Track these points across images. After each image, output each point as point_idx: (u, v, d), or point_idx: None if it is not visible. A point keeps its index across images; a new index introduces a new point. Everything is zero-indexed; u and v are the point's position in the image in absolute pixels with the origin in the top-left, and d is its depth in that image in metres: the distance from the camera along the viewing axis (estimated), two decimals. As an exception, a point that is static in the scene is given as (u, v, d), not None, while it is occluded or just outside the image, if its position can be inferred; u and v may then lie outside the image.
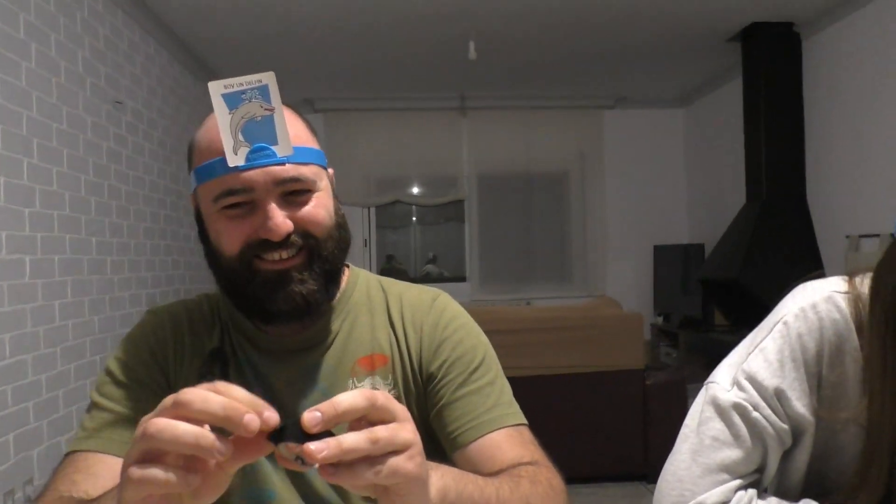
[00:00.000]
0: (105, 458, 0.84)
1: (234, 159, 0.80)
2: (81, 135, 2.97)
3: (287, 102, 0.82)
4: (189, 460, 0.53)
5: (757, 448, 0.82)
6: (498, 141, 5.93)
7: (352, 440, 0.53)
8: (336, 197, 0.92)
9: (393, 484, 0.56)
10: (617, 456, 3.33)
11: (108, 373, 0.92)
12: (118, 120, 3.35)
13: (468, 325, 0.97)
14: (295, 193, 0.84)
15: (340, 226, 0.89)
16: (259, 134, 0.80)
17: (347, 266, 0.98)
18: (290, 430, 0.53)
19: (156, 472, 0.52)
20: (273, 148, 0.80)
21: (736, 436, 0.82)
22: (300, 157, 0.83)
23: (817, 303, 0.82)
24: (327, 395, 0.74)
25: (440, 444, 0.91)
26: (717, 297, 4.80)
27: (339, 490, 0.88)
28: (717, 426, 0.83)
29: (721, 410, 0.83)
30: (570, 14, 4.00)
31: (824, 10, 4.01)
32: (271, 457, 0.84)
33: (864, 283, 0.81)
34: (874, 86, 3.71)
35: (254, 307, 0.86)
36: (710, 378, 0.86)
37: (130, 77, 3.52)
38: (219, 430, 0.53)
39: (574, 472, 3.26)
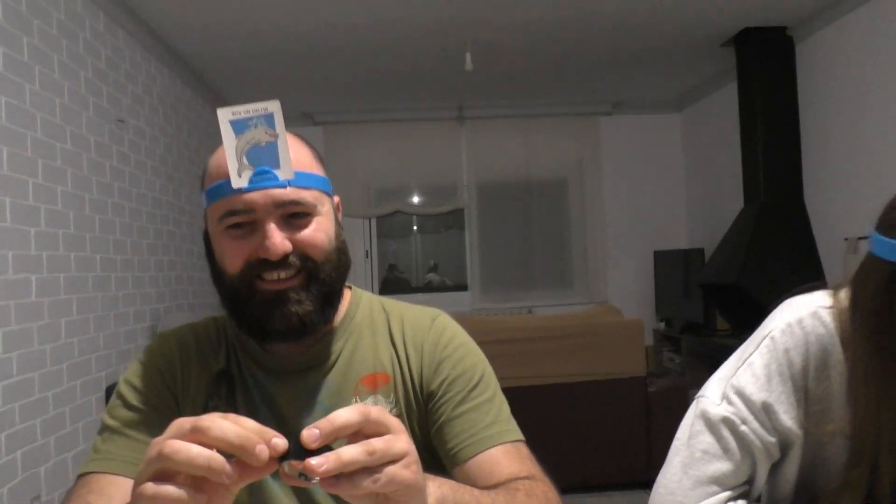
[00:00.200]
0: (117, 480, 0.87)
1: (238, 181, 0.84)
2: (85, 154, 3.01)
3: (288, 119, 0.86)
4: (197, 480, 0.56)
5: (746, 461, 0.84)
6: (496, 149, 5.97)
7: (350, 453, 0.57)
8: (339, 223, 0.95)
9: (391, 492, 0.59)
10: (620, 464, 3.33)
11: (119, 396, 0.95)
12: (121, 138, 3.39)
13: (467, 344, 1.00)
14: (295, 216, 0.87)
15: (340, 250, 0.92)
16: (263, 158, 0.84)
17: (350, 288, 1.01)
18: (292, 449, 0.56)
19: (169, 490, 0.55)
20: (275, 172, 0.84)
21: (725, 449, 0.84)
22: (301, 181, 0.87)
23: (803, 318, 0.85)
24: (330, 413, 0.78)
25: (441, 461, 0.94)
26: (717, 302, 4.81)
27: (340, 501, 0.91)
28: (707, 440, 0.85)
29: (711, 424, 0.85)
30: (565, 23, 4.04)
31: (816, 13, 4.04)
32: (278, 478, 0.88)
33: (848, 297, 0.84)
34: (869, 86, 3.74)
35: (253, 326, 0.89)
36: (701, 392, 0.89)
37: (132, 96, 3.56)
38: (226, 454, 0.56)
39: (578, 480, 3.31)
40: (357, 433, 0.59)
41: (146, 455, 0.58)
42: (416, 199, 6.13)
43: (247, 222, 0.86)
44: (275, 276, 0.86)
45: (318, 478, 0.56)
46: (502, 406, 0.97)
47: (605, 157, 6.10)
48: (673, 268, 5.67)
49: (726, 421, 0.84)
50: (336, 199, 0.97)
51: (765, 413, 0.84)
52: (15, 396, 2.43)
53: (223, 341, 0.98)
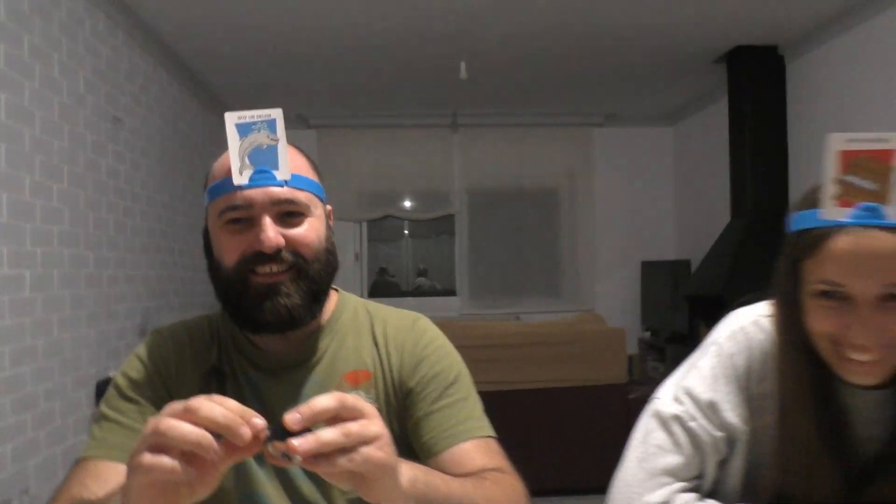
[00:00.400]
0: (113, 465, 0.92)
1: (239, 179, 0.91)
2: (81, 152, 3.04)
3: (284, 122, 0.93)
4: (188, 457, 0.63)
5: (696, 455, 0.92)
6: (489, 157, 6.03)
7: (328, 435, 0.64)
8: (330, 228, 1.02)
9: (366, 470, 0.66)
10: (600, 468, 3.34)
11: (116, 387, 1.00)
12: (117, 137, 3.42)
13: (446, 346, 1.06)
14: (290, 215, 0.94)
15: (329, 252, 0.99)
16: (263, 159, 0.92)
17: (337, 290, 1.08)
18: (277, 432, 0.63)
19: (164, 460, 0.62)
20: (274, 172, 0.92)
21: (676, 444, 0.92)
22: (297, 182, 0.94)
23: (745, 326, 0.96)
24: None
25: (416, 454, 0.99)
26: (702, 313, 4.88)
27: (323, 492, 0.97)
28: (660, 436, 0.93)
29: (663, 421, 0.94)
30: (560, 36, 4.10)
31: (807, 34, 4.12)
32: (263, 463, 0.94)
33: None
34: (855, 107, 3.82)
35: (244, 317, 0.95)
36: (655, 394, 0.98)
37: (130, 95, 3.59)
38: (215, 435, 0.63)
39: (559, 483, 3.36)
40: (335, 418, 0.66)
41: (143, 432, 0.64)
42: (407, 204, 6.17)
43: (245, 218, 0.92)
44: (267, 269, 0.92)
45: (299, 457, 0.63)
46: (476, 404, 1.03)
47: (596, 167, 6.17)
48: (660, 278, 5.74)
49: (677, 418, 0.93)
50: (328, 207, 1.04)
51: (711, 410, 0.92)
52: (7, 390, 2.46)
53: (215, 339, 1.04)
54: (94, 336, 3.14)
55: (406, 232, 6.51)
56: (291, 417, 0.63)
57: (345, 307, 1.08)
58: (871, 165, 0.76)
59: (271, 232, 0.91)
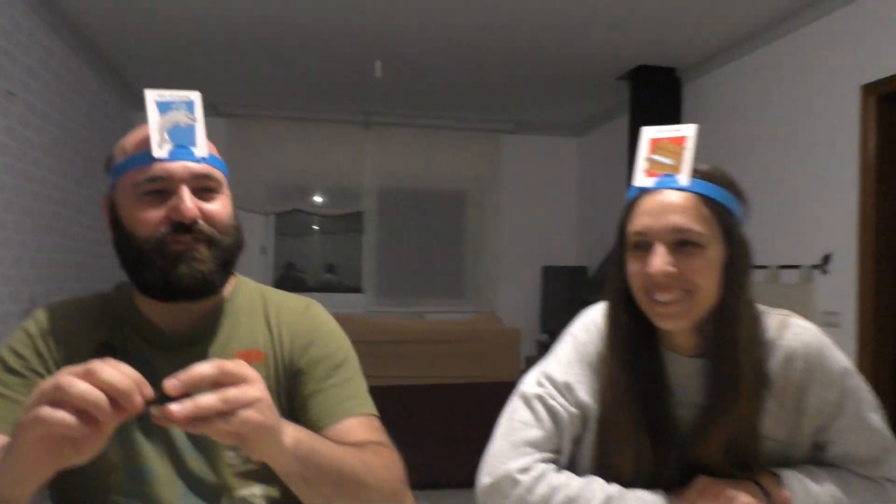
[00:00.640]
0: None
1: (159, 152, 0.95)
2: (-32, 125, 2.88)
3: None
4: (81, 416, 0.67)
5: (555, 430, 1.05)
6: (400, 157, 6.09)
7: (206, 400, 0.69)
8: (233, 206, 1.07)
9: (245, 432, 0.71)
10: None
11: (2, 361, 1.00)
12: (8, 111, 3.25)
13: (336, 330, 1.12)
14: (205, 190, 0.99)
15: (238, 229, 1.04)
16: (182, 137, 0.97)
17: (233, 274, 1.11)
18: (160, 397, 0.68)
19: (62, 415, 0.66)
20: (192, 149, 0.97)
21: (538, 419, 1.05)
22: (212, 161, 1.00)
23: (596, 318, 1.11)
24: None
25: None
26: (597, 318, 5.10)
27: (211, 465, 1.00)
28: (524, 413, 1.06)
29: (527, 400, 1.07)
30: (475, 43, 4.21)
31: (702, 60, 4.42)
32: (150, 437, 0.96)
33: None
34: (739, 126, 4.14)
35: (158, 284, 0.97)
36: (521, 381, 1.11)
37: (26, 69, 3.43)
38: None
39: (451, 476, 3.44)
40: (218, 384, 0.71)
41: (40, 388, 0.67)
42: (317, 199, 6.14)
43: (162, 190, 0.96)
44: (184, 238, 0.96)
45: (179, 419, 0.68)
46: (361, 385, 1.09)
47: (504, 173, 6.33)
48: (559, 283, 5.96)
49: (539, 397, 1.06)
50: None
51: (567, 390, 1.06)
52: None
53: (108, 316, 1.05)
54: (-27, 319, 2.98)
55: (315, 227, 6.46)
56: (170, 383, 0.68)
57: (240, 289, 1.11)
58: (669, 147, 1.01)
59: (190, 202, 0.95)
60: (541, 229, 6.44)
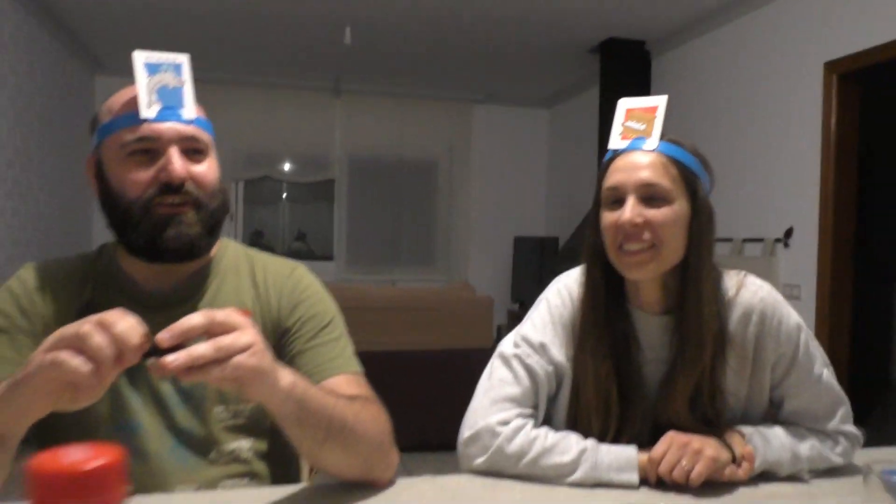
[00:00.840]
0: None
1: (147, 112, 0.95)
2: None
3: None
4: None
5: (532, 387, 1.11)
6: (371, 125, 6.04)
7: (199, 349, 0.72)
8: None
9: (239, 376, 0.74)
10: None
11: None
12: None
13: (321, 293, 1.14)
14: (194, 152, 0.99)
15: (224, 192, 1.05)
16: (170, 99, 0.97)
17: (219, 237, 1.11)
18: (155, 349, 0.71)
19: (80, 362, 0.68)
20: (180, 111, 0.97)
21: (516, 377, 1.11)
22: (200, 123, 1.00)
23: (569, 283, 1.18)
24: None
25: None
26: (565, 288, 5.17)
27: (200, 418, 1.02)
28: (503, 371, 1.12)
29: (505, 360, 1.13)
30: (445, 11, 4.18)
31: (670, 34, 4.45)
32: (137, 391, 0.99)
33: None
34: (704, 100, 4.19)
35: (145, 245, 0.98)
36: (500, 344, 1.17)
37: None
38: None
39: (423, 440, 3.49)
40: (209, 334, 0.73)
41: (60, 333, 0.70)
42: (286, 167, 6.08)
43: (150, 150, 0.96)
44: (171, 200, 0.96)
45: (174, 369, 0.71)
46: (347, 345, 1.11)
47: (475, 143, 6.33)
48: (530, 253, 6.01)
49: (517, 356, 1.12)
50: None
51: (542, 350, 1.13)
52: None
53: (90, 276, 1.05)
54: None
55: (284, 196, 6.40)
56: (161, 336, 0.71)
57: (226, 251, 1.12)
58: (642, 115, 1.12)
59: (178, 163, 0.95)
60: (512, 200, 6.47)
